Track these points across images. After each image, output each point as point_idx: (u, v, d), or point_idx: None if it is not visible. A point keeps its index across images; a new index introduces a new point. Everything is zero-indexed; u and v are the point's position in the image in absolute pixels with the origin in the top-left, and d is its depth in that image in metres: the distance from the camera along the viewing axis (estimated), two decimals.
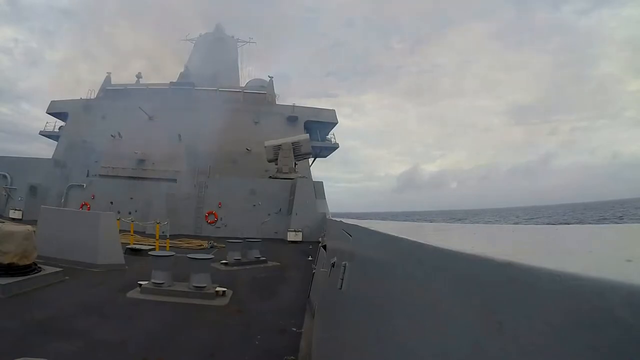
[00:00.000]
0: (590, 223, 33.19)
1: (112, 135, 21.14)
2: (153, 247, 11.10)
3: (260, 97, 25.31)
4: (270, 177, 20.53)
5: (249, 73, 30.36)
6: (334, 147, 27.87)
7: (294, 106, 25.49)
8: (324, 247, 5.97)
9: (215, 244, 13.31)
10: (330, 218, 12.34)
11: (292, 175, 20.18)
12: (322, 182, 21.08)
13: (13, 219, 17.15)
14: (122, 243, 9.27)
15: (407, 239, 1.30)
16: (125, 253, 9.48)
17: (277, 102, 26.09)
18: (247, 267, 9.71)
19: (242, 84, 28.11)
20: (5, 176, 20.45)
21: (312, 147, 23.33)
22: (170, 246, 11.76)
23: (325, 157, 29.45)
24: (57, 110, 26.11)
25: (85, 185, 20.02)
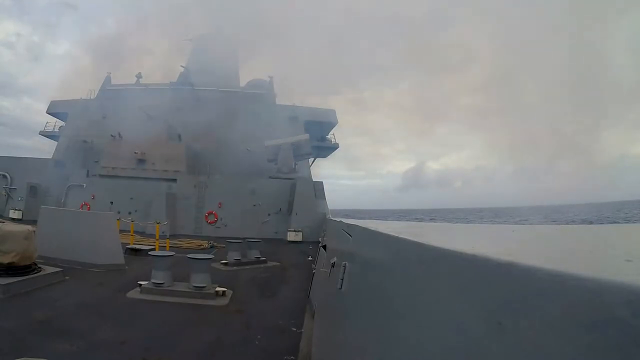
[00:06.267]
0: (590, 223, 33.18)
1: (112, 135, 21.12)
2: (153, 247, 11.09)
3: (260, 97, 25.29)
4: (270, 177, 20.53)
5: (249, 73, 30.36)
6: (334, 147, 27.84)
7: (294, 106, 25.46)
8: (324, 247, 5.97)
9: (215, 244, 13.31)
10: (330, 218, 12.35)
11: (292, 175, 20.17)
12: (322, 182, 21.06)
13: (13, 219, 17.13)
14: (122, 243, 9.26)
15: (407, 239, 1.30)
16: (125, 253, 9.47)
17: (277, 102, 26.08)
18: (247, 267, 9.70)
19: (242, 84, 28.07)
20: (5, 176, 20.43)
21: (312, 147, 23.31)
22: (170, 246, 11.75)
23: (325, 157, 29.46)
24: (57, 110, 26.09)
25: (85, 185, 20.00)
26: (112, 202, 18.64)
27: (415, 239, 1.22)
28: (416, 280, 1.11)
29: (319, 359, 3.13)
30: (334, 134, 27.63)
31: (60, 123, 26.14)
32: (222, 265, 9.35)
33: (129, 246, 10.57)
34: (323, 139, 26.93)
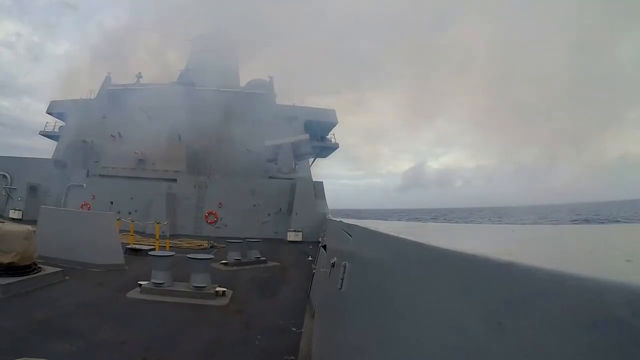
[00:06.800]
0: (590, 223, 33.19)
1: (112, 135, 21.11)
2: (153, 247, 11.09)
3: (260, 97, 25.29)
4: (270, 177, 20.53)
5: (248, 73, 30.32)
6: (334, 147, 27.85)
7: (294, 106, 25.46)
8: (324, 247, 5.97)
9: (215, 244, 13.31)
10: (330, 218, 12.36)
11: (292, 175, 20.17)
12: (322, 182, 21.08)
13: (13, 219, 17.13)
14: (122, 243, 9.26)
15: (407, 239, 1.30)
16: (125, 253, 9.47)
17: (277, 102, 26.07)
18: (247, 267, 9.71)
19: (242, 84, 28.05)
20: (5, 176, 20.44)
21: (312, 147, 23.33)
22: (170, 246, 11.76)
23: (325, 157, 29.46)
24: (57, 110, 26.06)
25: (85, 185, 20.00)
26: (112, 202, 18.65)
27: (415, 239, 1.22)
28: (416, 280, 1.11)
29: (319, 359, 3.13)
30: (334, 134, 27.67)
31: (60, 123, 26.12)
32: (222, 265, 9.35)
33: (129, 246, 10.57)
34: (323, 139, 26.94)
